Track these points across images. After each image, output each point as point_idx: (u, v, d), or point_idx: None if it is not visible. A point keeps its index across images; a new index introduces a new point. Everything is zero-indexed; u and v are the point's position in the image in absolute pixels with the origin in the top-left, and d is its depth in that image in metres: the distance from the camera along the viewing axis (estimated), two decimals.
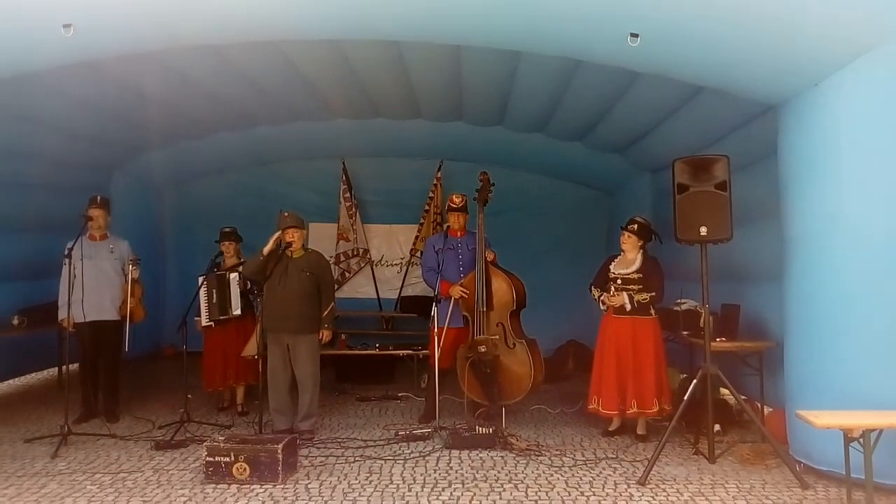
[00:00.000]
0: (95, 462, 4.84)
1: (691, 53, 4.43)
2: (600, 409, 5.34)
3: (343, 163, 9.21)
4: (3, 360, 6.57)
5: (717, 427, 5.04)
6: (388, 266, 9.52)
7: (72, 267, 5.51)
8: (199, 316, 6.15)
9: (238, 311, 6.08)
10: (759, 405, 5.38)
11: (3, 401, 6.93)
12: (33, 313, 6.64)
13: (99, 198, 6.11)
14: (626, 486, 4.29)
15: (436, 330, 5.68)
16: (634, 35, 4.21)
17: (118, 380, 6.15)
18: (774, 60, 4.27)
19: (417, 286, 8.85)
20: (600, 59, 4.84)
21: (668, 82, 5.13)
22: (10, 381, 7.54)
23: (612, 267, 5.49)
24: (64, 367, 6.94)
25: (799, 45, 4.11)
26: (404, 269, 9.39)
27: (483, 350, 5.61)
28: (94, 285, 5.76)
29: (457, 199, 6.10)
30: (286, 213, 5.52)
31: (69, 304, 5.53)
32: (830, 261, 4.24)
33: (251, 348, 5.48)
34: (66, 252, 5.50)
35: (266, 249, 5.32)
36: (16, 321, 6.53)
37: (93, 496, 4.16)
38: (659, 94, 5.78)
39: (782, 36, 4.07)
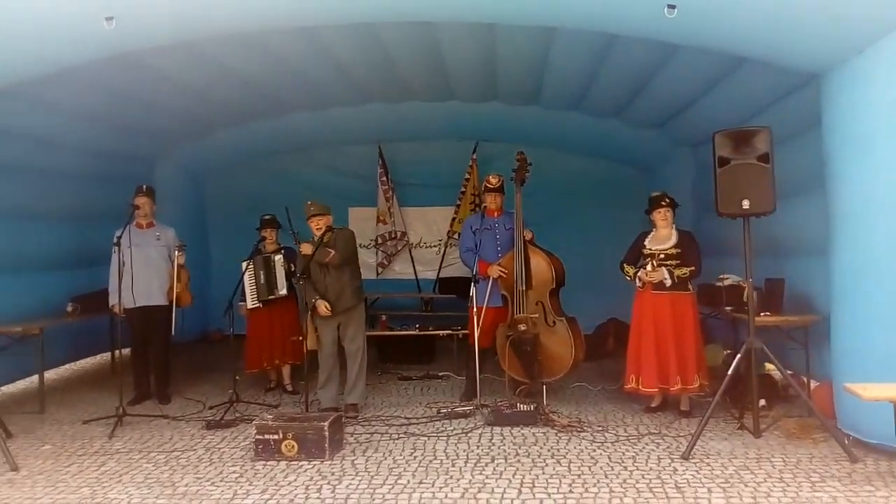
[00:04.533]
0: (150, 441, 5.02)
1: (730, 23, 4.33)
2: (640, 387, 5.30)
3: (379, 147, 9.28)
4: (59, 346, 6.81)
5: (761, 402, 4.99)
6: (426, 248, 9.60)
7: (121, 255, 5.67)
8: (244, 300, 6.30)
9: (284, 291, 6.23)
10: (804, 379, 5.30)
11: (61, 384, 7.23)
12: (86, 300, 6.87)
13: (145, 186, 6.28)
14: (669, 461, 4.29)
15: (475, 309, 5.72)
16: (671, 6, 4.13)
17: (169, 363, 6.35)
18: (816, 27, 4.15)
19: (455, 267, 8.90)
20: (636, 32, 4.78)
21: (707, 54, 5.05)
22: (67, 366, 7.83)
23: (647, 243, 5.43)
24: (116, 352, 7.23)
25: (842, 10, 3.98)
26: (442, 250, 9.45)
27: (523, 328, 5.63)
28: (143, 272, 5.95)
29: (493, 180, 6.10)
30: (310, 203, 5.61)
31: (119, 291, 5.70)
32: (877, 233, 4.15)
33: (313, 342, 5.57)
34: (114, 240, 5.67)
35: (305, 252, 5.50)
36: (70, 308, 6.76)
37: (149, 473, 4.33)
38: (698, 67, 5.67)
39: (824, 1, 3.95)
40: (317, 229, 5.53)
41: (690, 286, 5.32)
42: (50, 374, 6.99)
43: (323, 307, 5.41)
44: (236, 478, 4.20)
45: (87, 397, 6.52)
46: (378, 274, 9.38)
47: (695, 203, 7.29)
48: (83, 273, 7.18)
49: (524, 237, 5.78)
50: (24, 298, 6.46)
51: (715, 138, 4.74)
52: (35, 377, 6.34)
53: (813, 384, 5.26)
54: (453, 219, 9.26)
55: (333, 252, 5.43)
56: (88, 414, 5.80)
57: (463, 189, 9.20)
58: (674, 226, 5.41)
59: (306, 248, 5.49)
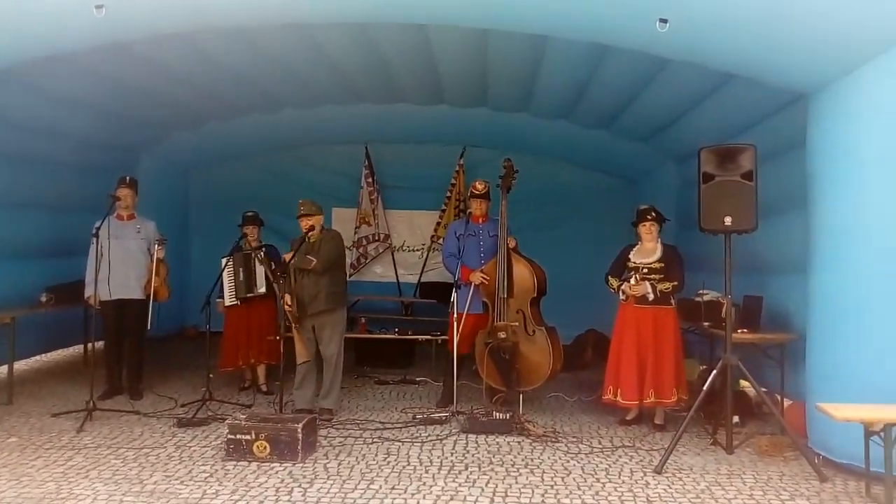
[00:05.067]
0: (119, 437, 4.94)
1: (721, 40, 4.36)
2: (619, 399, 5.30)
3: (366, 148, 9.24)
4: (30, 337, 6.68)
5: (735, 418, 5.01)
6: (408, 251, 9.56)
7: (99, 246, 5.60)
8: (222, 297, 6.24)
9: (263, 290, 6.17)
10: (778, 397, 5.34)
11: (30, 376, 7.10)
12: (60, 291, 6.75)
13: (128, 178, 6.21)
14: (642, 474, 4.29)
15: (455, 316, 5.70)
16: (663, 20, 4.16)
17: (142, 358, 6.27)
18: (806, 48, 4.20)
19: (437, 272, 8.87)
20: (628, 44, 4.80)
21: (697, 70, 5.08)
22: (38, 357, 7.70)
23: (631, 256, 5.45)
24: (89, 345, 7.13)
25: (832, 32, 4.03)
26: (425, 254, 9.42)
27: (503, 336, 5.62)
28: (121, 264, 5.87)
29: (479, 186, 6.09)
30: (301, 202, 5.59)
31: (95, 283, 5.61)
32: (857, 254, 4.19)
33: (303, 355, 5.46)
34: (93, 231, 5.59)
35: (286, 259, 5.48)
36: (44, 298, 6.64)
37: (117, 470, 4.26)
38: (687, 82, 5.72)
39: (815, 22, 3.99)
40: (305, 227, 5.49)
41: (673, 300, 5.34)
42: (20, 365, 6.86)
43: (287, 300, 5.35)
44: (206, 477, 4.15)
45: (57, 390, 6.41)
46: (349, 275, 9.30)
47: (677, 217, 7.33)
48: (59, 263, 7.06)
49: (508, 244, 5.78)
50: None
51: (700, 154, 4.78)
52: (4, 367, 6.22)
53: (787, 402, 5.30)
54: (438, 223, 9.22)
55: (315, 261, 5.39)
56: (58, 407, 5.70)
57: (448, 194, 9.18)
58: (659, 240, 5.43)
59: (286, 256, 5.44)
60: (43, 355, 7.76)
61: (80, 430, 5.03)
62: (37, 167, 6.90)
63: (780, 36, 4.15)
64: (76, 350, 8.02)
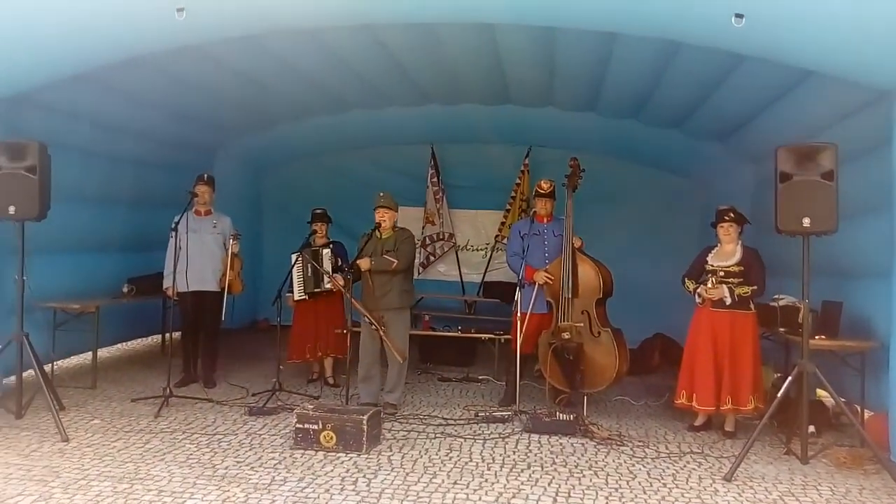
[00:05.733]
0: (194, 423, 5.15)
1: (800, 35, 4.20)
2: (694, 404, 5.16)
3: (432, 148, 9.32)
4: (113, 325, 7.03)
5: (811, 428, 4.81)
6: (473, 251, 9.59)
7: (177, 240, 5.84)
8: (291, 292, 6.40)
9: (330, 285, 6.30)
10: (858, 408, 5.09)
11: (112, 363, 7.47)
12: (141, 282, 7.07)
13: (206, 175, 6.46)
14: (710, 482, 4.18)
15: (519, 315, 5.68)
16: (739, 16, 4.04)
17: (217, 348, 6.51)
18: (889, 42, 4.00)
19: (501, 272, 8.86)
20: (701, 41, 4.68)
21: (774, 66, 4.90)
22: (120, 345, 8.10)
23: (709, 259, 5.29)
24: (167, 334, 7.45)
25: None
26: (489, 254, 9.42)
27: (567, 337, 5.57)
28: (198, 258, 6.09)
29: (545, 185, 6.06)
30: (381, 194, 5.69)
31: (174, 275, 5.86)
32: None
33: (402, 352, 5.54)
34: (172, 225, 5.83)
35: (364, 267, 5.52)
36: (126, 289, 6.98)
37: (191, 454, 4.44)
38: (763, 79, 5.52)
39: None
40: (379, 219, 5.58)
41: (752, 305, 5.16)
42: (103, 352, 7.23)
43: (366, 262, 5.44)
44: (275, 464, 4.27)
45: (137, 376, 6.73)
46: (419, 273, 9.39)
47: (753, 219, 7.10)
48: (140, 256, 7.40)
49: (573, 244, 5.72)
50: (83, 278, 6.70)
51: (778, 153, 4.61)
52: (89, 354, 6.57)
53: (867, 414, 5.05)
54: (502, 223, 9.21)
55: (396, 262, 5.47)
56: (137, 392, 5.98)
57: (513, 194, 9.16)
58: (740, 242, 5.26)
59: (365, 264, 5.50)
60: (124, 343, 8.15)
61: (157, 416, 5.27)
62: (122, 166, 7.25)
63: (863, 30, 3.97)
64: (154, 339, 8.39)
